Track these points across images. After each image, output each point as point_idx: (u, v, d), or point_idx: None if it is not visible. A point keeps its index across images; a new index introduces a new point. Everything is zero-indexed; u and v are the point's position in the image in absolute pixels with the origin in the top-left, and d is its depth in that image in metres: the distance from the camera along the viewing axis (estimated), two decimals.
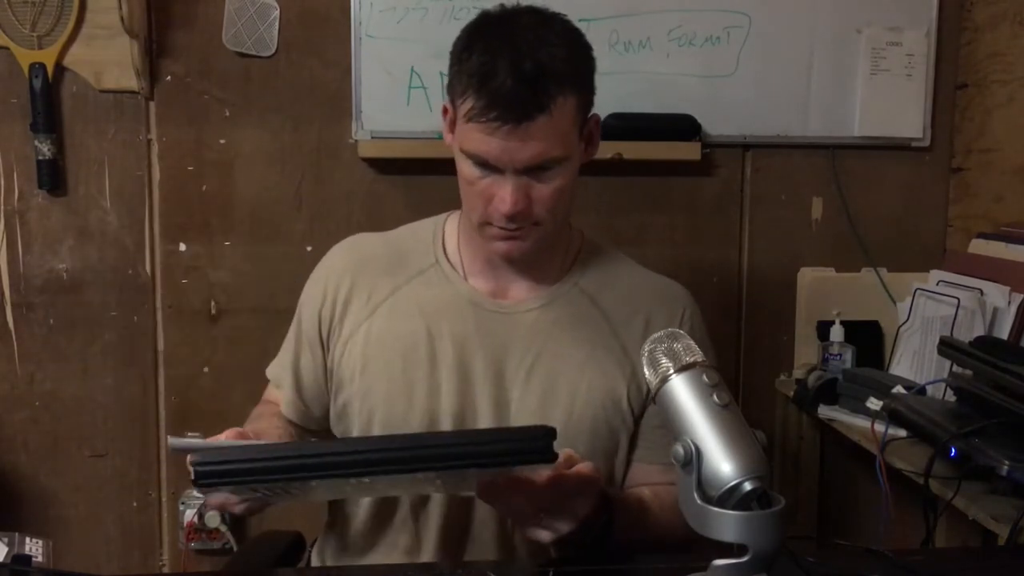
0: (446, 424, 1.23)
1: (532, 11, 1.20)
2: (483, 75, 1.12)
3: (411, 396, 1.24)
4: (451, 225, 1.34)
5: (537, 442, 0.93)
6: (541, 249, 1.24)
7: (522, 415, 1.23)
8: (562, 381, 1.25)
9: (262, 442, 0.99)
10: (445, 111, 1.23)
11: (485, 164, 1.16)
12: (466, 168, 1.19)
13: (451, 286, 1.29)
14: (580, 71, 1.17)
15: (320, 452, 0.93)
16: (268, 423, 1.31)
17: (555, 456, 0.94)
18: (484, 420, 1.23)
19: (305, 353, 1.34)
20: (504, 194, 1.16)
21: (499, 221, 1.18)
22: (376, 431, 1.25)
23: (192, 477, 0.90)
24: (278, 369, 1.38)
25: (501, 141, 1.13)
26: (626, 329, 1.28)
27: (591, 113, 1.23)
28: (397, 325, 1.28)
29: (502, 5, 1.22)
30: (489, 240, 1.23)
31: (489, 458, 0.94)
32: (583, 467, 1.03)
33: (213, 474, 0.91)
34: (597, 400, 1.25)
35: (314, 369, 1.33)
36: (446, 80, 1.22)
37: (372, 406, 1.26)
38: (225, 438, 1.05)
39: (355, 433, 1.28)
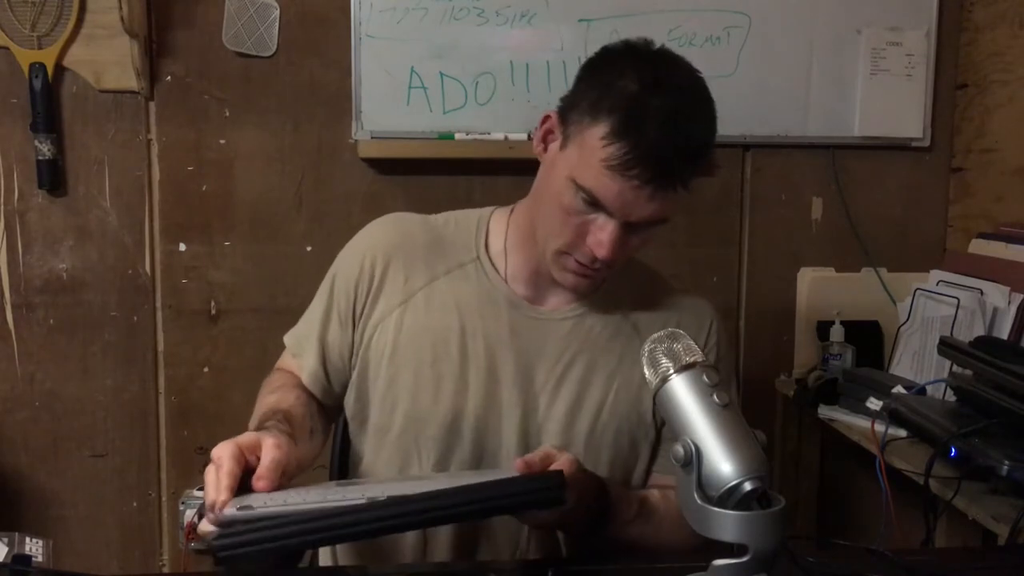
0: (469, 424, 1.22)
1: (687, 71, 1.15)
2: (651, 124, 1.07)
3: (437, 392, 1.23)
4: (497, 223, 1.31)
5: (550, 492, 0.95)
6: None
7: (549, 423, 1.23)
8: (591, 391, 1.24)
9: (285, 510, 0.97)
10: (547, 119, 1.21)
11: (596, 204, 1.12)
12: (569, 198, 1.14)
13: (490, 284, 1.27)
14: (712, 141, 1.15)
15: (338, 519, 0.92)
16: (289, 398, 1.25)
17: (564, 501, 0.96)
18: (509, 424, 1.22)
19: (334, 325, 1.29)
20: (604, 238, 1.13)
21: (584, 259, 1.16)
22: (398, 422, 1.24)
23: (213, 553, 0.93)
24: (301, 337, 1.32)
25: (631, 196, 1.10)
26: None
27: None
28: (431, 317, 1.25)
29: (648, 41, 1.17)
30: (560, 269, 1.20)
31: (504, 510, 0.98)
32: (560, 463, 1.03)
33: (232, 547, 0.93)
34: (623, 412, 1.24)
35: (341, 344, 1.29)
36: (571, 89, 1.19)
37: (396, 397, 1.24)
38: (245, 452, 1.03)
39: (373, 420, 1.26)
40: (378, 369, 1.26)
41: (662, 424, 1.26)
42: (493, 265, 1.28)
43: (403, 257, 1.28)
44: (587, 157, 1.11)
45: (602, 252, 1.13)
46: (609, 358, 1.26)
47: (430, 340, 1.24)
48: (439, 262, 1.28)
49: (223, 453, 1.01)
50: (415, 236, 1.30)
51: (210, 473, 1.02)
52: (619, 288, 1.29)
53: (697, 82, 1.15)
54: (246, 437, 1.03)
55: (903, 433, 1.66)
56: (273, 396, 1.24)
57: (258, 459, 1.02)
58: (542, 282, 1.27)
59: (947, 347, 1.74)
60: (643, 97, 1.08)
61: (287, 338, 1.35)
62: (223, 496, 0.98)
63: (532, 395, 1.23)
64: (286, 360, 1.34)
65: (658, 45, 1.17)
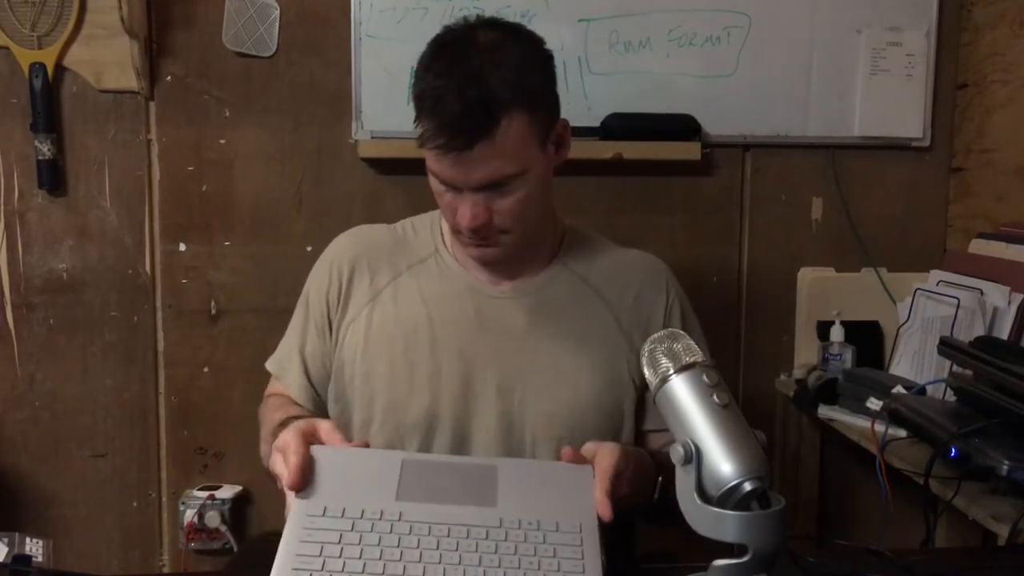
0: (447, 410, 1.26)
1: (490, 28, 1.22)
2: (432, 100, 1.16)
3: (412, 380, 1.27)
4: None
5: None
6: (520, 248, 1.28)
7: (529, 396, 1.26)
8: (566, 360, 1.28)
9: None
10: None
11: (444, 183, 1.21)
12: (433, 182, 1.23)
13: (451, 274, 1.33)
14: (530, 89, 1.19)
15: None
16: (292, 411, 1.29)
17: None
18: (487, 404, 1.26)
19: (312, 338, 1.36)
20: (464, 210, 1.20)
21: (465, 232, 1.23)
22: (378, 415, 1.28)
23: None
24: (281, 358, 1.40)
25: (449, 167, 1.18)
26: (619, 303, 1.33)
27: (557, 119, 1.25)
28: (399, 311, 1.31)
29: (465, 19, 1.24)
30: (464, 246, 1.28)
31: None
32: (603, 452, 1.06)
33: None
34: (600, 375, 1.28)
35: (322, 354, 1.35)
36: None
37: (373, 390, 1.28)
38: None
39: (356, 419, 1.30)
40: (353, 367, 1.30)
41: (642, 382, 1.28)
42: (452, 255, 1.34)
43: (367, 260, 1.35)
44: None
45: (464, 223, 1.20)
46: (577, 324, 1.30)
47: (400, 332, 1.29)
48: (401, 260, 1.35)
49: (289, 438, 1.04)
50: (377, 240, 1.38)
51: (277, 463, 1.04)
52: (572, 257, 1.36)
53: (494, 30, 1.21)
54: (303, 423, 1.07)
55: (903, 433, 1.66)
56: (277, 413, 1.28)
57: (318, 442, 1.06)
58: (489, 266, 1.32)
59: (947, 347, 1.74)
60: (427, 76, 1.18)
61: (269, 364, 1.41)
62: (296, 478, 1.01)
63: (506, 373, 1.27)
64: (272, 385, 1.41)
65: (481, 18, 1.24)
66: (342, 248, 1.38)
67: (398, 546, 0.96)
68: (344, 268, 1.35)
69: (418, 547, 0.96)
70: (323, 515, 0.98)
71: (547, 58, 1.25)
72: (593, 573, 0.95)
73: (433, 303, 1.31)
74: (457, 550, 0.96)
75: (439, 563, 0.94)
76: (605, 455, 1.06)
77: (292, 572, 0.93)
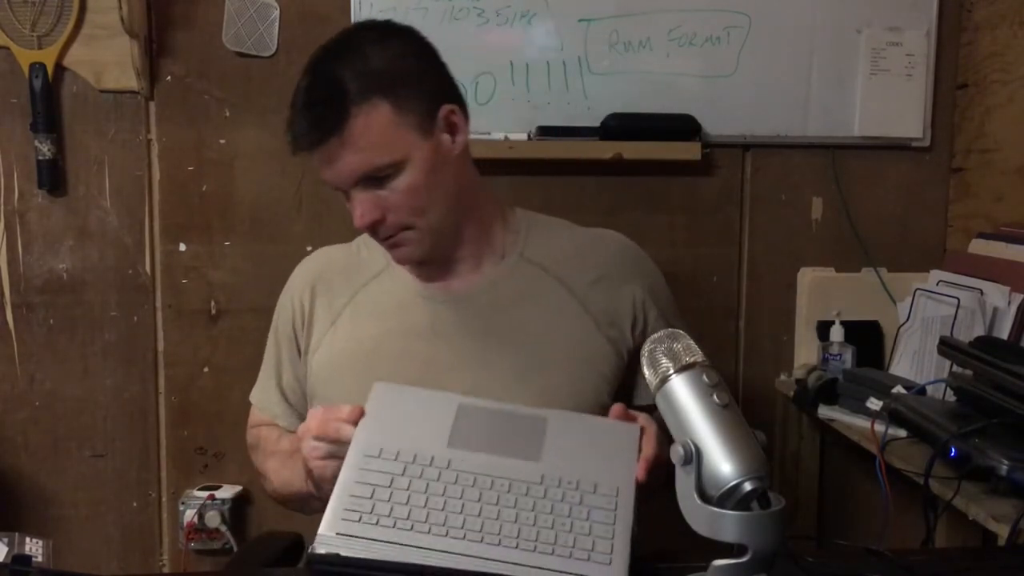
0: None
1: (358, 28, 1.26)
2: (291, 103, 1.20)
3: None
4: None
5: None
6: (439, 243, 1.27)
7: (504, 395, 1.23)
8: (532, 355, 1.27)
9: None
10: None
11: (330, 186, 1.23)
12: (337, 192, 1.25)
13: (403, 285, 1.33)
14: (390, 78, 1.18)
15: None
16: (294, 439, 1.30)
17: None
18: None
19: (287, 370, 1.37)
20: (354, 211, 1.21)
21: (370, 233, 1.24)
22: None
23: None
24: (262, 394, 1.41)
25: (321, 166, 1.20)
26: (582, 287, 1.32)
27: (441, 106, 1.24)
28: (359, 328, 1.31)
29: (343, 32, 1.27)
30: (385, 249, 1.29)
31: None
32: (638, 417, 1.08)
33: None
34: (572, 364, 1.27)
35: (298, 384, 1.37)
36: None
37: None
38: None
39: None
40: (325, 389, 1.30)
41: (620, 361, 1.29)
42: (403, 268, 1.33)
43: (324, 284, 1.36)
44: None
45: (358, 223, 1.21)
46: (540, 314, 1.29)
47: (362, 352, 1.29)
48: (356, 279, 1.35)
49: (311, 416, 1.12)
50: (333, 262, 1.39)
51: (308, 445, 1.12)
52: (529, 247, 1.34)
53: (342, 42, 1.23)
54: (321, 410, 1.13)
55: (903, 433, 1.66)
56: (284, 441, 1.31)
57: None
58: (439, 267, 1.31)
59: (947, 347, 1.74)
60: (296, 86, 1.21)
61: (252, 397, 1.43)
62: (356, 411, 1.08)
63: (472, 378, 1.25)
64: (255, 416, 1.42)
65: (359, 22, 1.28)
66: (301, 276, 1.40)
67: (443, 494, 1.02)
68: (305, 296, 1.36)
69: (461, 497, 1.02)
70: (379, 456, 1.05)
71: (420, 47, 1.25)
72: (622, 540, 1.00)
73: (390, 317, 1.30)
74: (497, 504, 1.02)
75: (478, 515, 1.01)
76: (646, 421, 1.09)
77: (344, 512, 1.00)
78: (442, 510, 1.01)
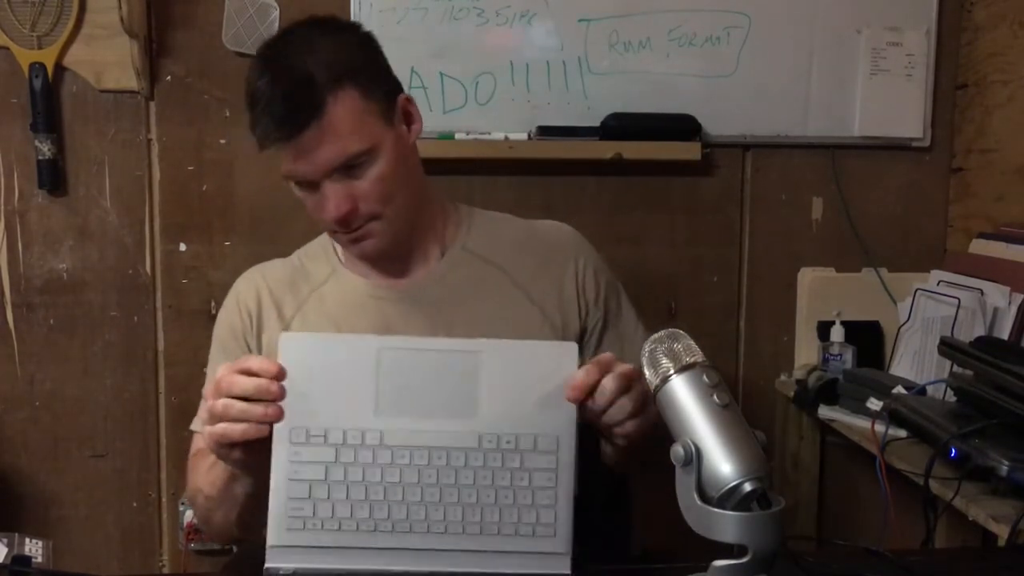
0: None
1: (301, 25, 1.23)
2: (257, 100, 1.16)
3: None
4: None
5: None
6: (400, 235, 1.27)
7: None
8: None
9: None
10: None
11: (301, 183, 1.21)
12: (295, 191, 1.24)
13: (351, 287, 1.33)
14: (352, 66, 1.19)
15: None
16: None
17: None
18: None
19: None
20: (326, 203, 1.20)
21: (338, 228, 1.23)
22: None
23: None
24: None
25: (294, 159, 1.18)
26: (525, 275, 1.33)
27: (397, 96, 1.25)
28: None
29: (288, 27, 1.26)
30: (345, 245, 1.28)
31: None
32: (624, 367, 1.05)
33: None
34: None
35: None
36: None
37: None
38: None
39: None
40: None
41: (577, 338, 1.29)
42: (348, 269, 1.34)
43: (269, 294, 1.34)
44: (267, 153, 1.19)
45: (332, 214, 1.20)
46: (484, 305, 1.30)
47: None
48: (303, 288, 1.34)
49: (222, 369, 1.04)
50: (275, 275, 1.37)
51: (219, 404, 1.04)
52: (472, 239, 1.35)
53: (308, 24, 1.22)
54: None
55: (903, 433, 1.66)
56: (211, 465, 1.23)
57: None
58: (385, 264, 1.31)
59: (947, 347, 1.74)
60: (251, 82, 1.18)
61: (194, 425, 1.36)
62: (277, 366, 1.02)
63: None
64: (198, 443, 1.34)
65: (296, 22, 1.24)
66: (242, 289, 1.38)
67: (381, 481, 1.00)
68: (251, 305, 1.34)
69: (400, 481, 1.00)
70: (307, 442, 1.01)
71: (366, 38, 1.25)
72: (564, 506, 1.01)
73: (342, 320, 1.30)
74: (437, 483, 1.00)
75: (420, 501, 1.00)
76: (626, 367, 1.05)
77: (288, 520, 0.99)
78: (383, 500, 0.99)
